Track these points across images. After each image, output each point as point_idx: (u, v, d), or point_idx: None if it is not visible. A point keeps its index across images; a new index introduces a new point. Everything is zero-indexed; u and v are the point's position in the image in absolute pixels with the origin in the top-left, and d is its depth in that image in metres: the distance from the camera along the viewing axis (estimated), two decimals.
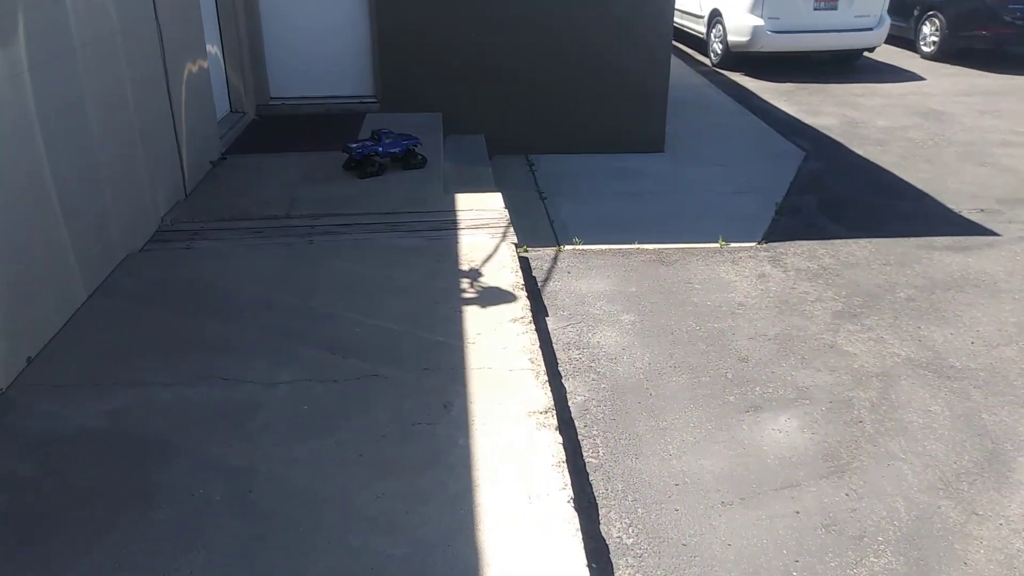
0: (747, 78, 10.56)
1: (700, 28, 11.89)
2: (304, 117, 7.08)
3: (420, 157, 5.63)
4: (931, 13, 11.78)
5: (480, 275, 3.97)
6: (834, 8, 10.49)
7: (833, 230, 5.62)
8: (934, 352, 4.02)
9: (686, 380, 3.78)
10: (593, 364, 3.90)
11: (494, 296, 3.77)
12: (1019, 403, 3.60)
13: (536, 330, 3.80)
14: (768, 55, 10.76)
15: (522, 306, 3.64)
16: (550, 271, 4.93)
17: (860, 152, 7.42)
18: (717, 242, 5.36)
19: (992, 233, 5.55)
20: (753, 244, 5.38)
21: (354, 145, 5.49)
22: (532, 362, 3.19)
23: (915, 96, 9.57)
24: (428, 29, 6.88)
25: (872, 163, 7.12)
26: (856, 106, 9.12)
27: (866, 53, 11.28)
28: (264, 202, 4.98)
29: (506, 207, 4.92)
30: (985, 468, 3.16)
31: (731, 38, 10.80)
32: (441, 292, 3.78)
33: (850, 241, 5.41)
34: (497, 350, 3.27)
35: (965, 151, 7.41)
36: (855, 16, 10.54)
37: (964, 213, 5.92)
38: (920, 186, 6.50)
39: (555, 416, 2.88)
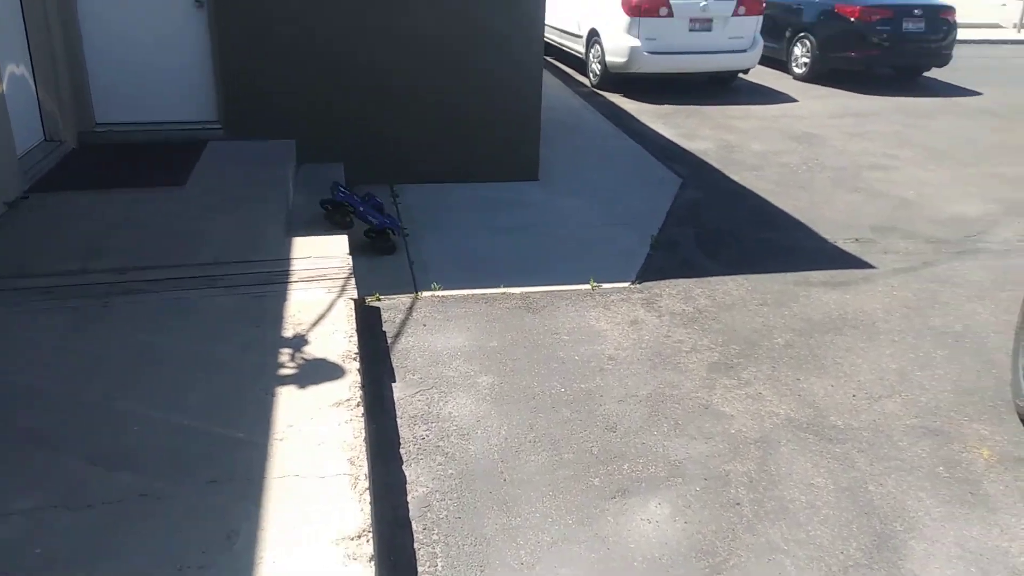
0: (626, 99, 10.36)
1: (579, 48, 11.65)
2: (135, 146, 6.26)
3: (391, 244, 5.29)
4: (802, 35, 11.96)
5: (306, 343, 3.37)
6: (708, 30, 10.43)
7: (709, 267, 5.31)
8: (815, 409, 3.69)
9: (546, 459, 3.29)
10: (441, 443, 3.36)
11: (319, 371, 3.18)
12: (905, 468, 3.29)
13: (368, 411, 3.24)
14: (646, 76, 10.60)
15: (350, 384, 3.07)
16: (403, 324, 4.38)
17: (736, 179, 7.23)
18: (588, 283, 4.94)
19: (868, 266, 5.37)
20: (626, 284, 4.99)
21: (342, 190, 5.28)
22: (352, 463, 2.62)
23: (788, 118, 9.57)
24: (277, 43, 6.21)
25: (748, 190, 6.93)
26: (732, 129, 9.01)
27: (741, 74, 11.30)
28: (62, 253, 4.20)
29: (350, 253, 4.34)
30: (875, 557, 2.80)
31: (609, 59, 10.58)
32: (254, 369, 3.15)
33: (727, 279, 5.10)
34: (311, 448, 2.68)
35: (838, 176, 7.34)
36: (729, 38, 10.52)
37: (840, 244, 5.75)
38: (796, 215, 6.32)
39: (371, 542, 2.31)
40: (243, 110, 6.38)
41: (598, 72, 10.95)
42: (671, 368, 4.02)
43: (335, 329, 3.49)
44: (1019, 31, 17.50)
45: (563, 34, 12.31)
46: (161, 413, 2.83)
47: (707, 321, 4.53)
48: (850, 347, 4.27)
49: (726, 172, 7.42)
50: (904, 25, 11.23)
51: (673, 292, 4.89)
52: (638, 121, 9.30)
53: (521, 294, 4.79)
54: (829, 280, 5.12)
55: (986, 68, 13.38)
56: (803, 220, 6.21)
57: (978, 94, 11.24)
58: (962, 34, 13.45)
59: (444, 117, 6.65)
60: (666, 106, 10.03)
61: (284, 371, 3.15)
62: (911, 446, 3.43)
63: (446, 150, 6.75)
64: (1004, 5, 21.77)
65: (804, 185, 7.08)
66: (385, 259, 5.25)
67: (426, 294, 4.74)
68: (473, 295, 4.74)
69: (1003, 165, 7.79)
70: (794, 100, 10.63)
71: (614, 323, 4.47)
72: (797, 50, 12.04)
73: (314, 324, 3.52)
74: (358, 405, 2.94)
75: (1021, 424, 3.58)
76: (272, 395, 2.98)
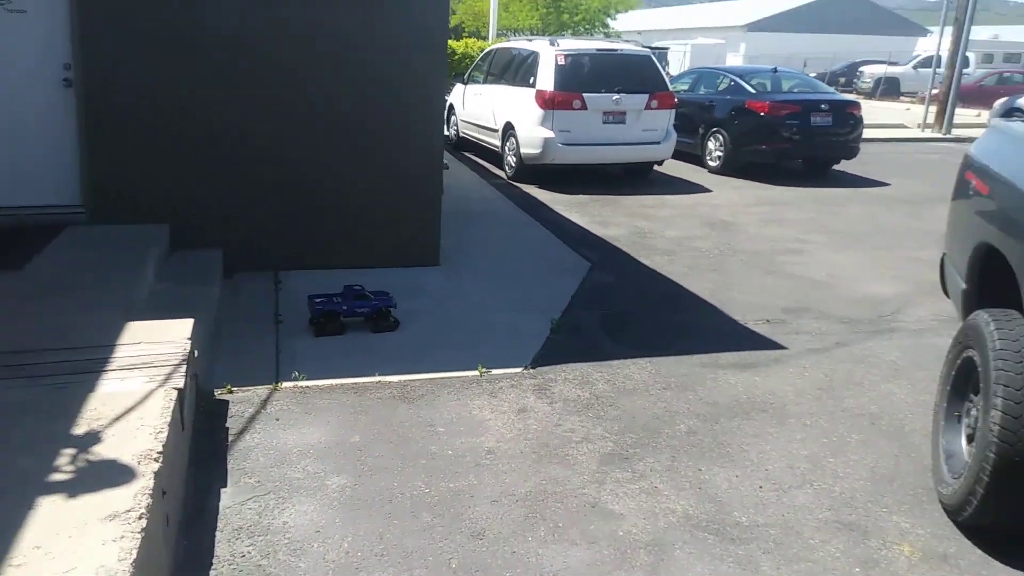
0: (541, 190, 10.17)
1: (495, 141, 11.55)
2: None
3: (393, 320, 5.06)
4: (715, 130, 12.13)
5: (98, 441, 2.75)
6: (622, 122, 10.44)
7: (612, 349, 4.89)
8: (716, 504, 3.20)
9: None
10: (265, 562, 2.74)
11: (103, 476, 2.56)
12: (816, 572, 2.80)
13: (184, 524, 2.61)
14: (561, 168, 10.48)
15: (137, 491, 2.46)
16: (252, 419, 3.78)
17: (647, 263, 6.94)
18: (476, 369, 4.45)
19: (779, 346, 5.02)
20: (519, 370, 4.51)
21: (318, 300, 4.95)
22: None
23: (704, 207, 9.48)
24: (152, 122, 5.77)
25: (659, 274, 6.63)
26: (647, 216, 8.84)
27: (656, 166, 11.31)
28: None
29: (191, 337, 3.76)
30: None
31: (524, 150, 10.46)
32: (18, 475, 2.52)
33: (629, 362, 4.67)
34: None
35: (751, 260, 7.13)
36: (642, 130, 10.54)
37: (750, 325, 5.41)
38: (706, 297, 6.00)
39: None
40: (111, 193, 5.85)
41: (513, 164, 10.81)
42: (557, 461, 3.49)
43: (142, 424, 2.89)
44: (923, 130, 18.34)
45: (480, 128, 12.25)
46: None
47: (603, 407, 4.05)
48: (758, 433, 3.83)
49: (637, 257, 7.13)
50: (812, 119, 11.49)
51: (570, 377, 4.42)
52: (552, 210, 9.07)
53: (399, 383, 4.25)
54: (738, 362, 4.73)
55: (893, 162, 13.78)
56: (713, 302, 5.89)
57: (886, 184, 11.45)
58: (870, 133, 13.94)
59: (335, 201, 6.23)
60: (581, 196, 9.87)
61: (57, 476, 2.53)
62: (824, 544, 2.95)
63: (338, 235, 6.31)
64: (908, 110, 23.02)
65: (716, 268, 6.82)
66: (251, 348, 4.68)
67: (287, 385, 4.16)
68: (342, 385, 4.19)
69: (915, 248, 7.72)
70: (709, 191, 10.61)
71: (499, 412, 3.95)
72: (711, 144, 12.19)
73: (116, 419, 2.91)
74: (140, 518, 2.32)
75: (945, 514, 3.14)
76: (29, 507, 2.35)
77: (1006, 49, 35.02)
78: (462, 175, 11.19)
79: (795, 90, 12.65)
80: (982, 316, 3.12)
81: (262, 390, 4.09)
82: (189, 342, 3.71)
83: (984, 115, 19.85)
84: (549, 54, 10.50)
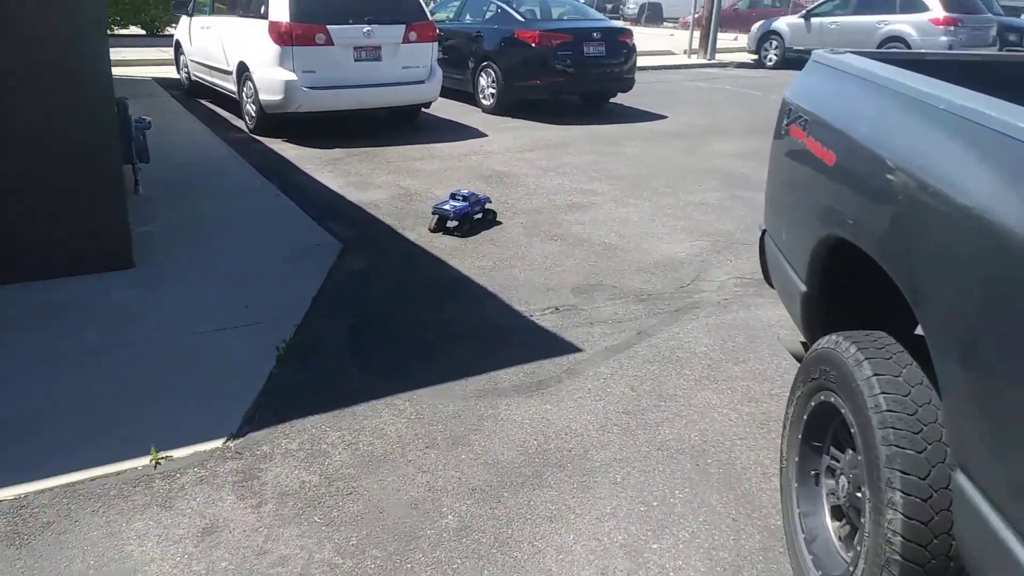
0: (289, 145, 8.51)
1: (231, 86, 9.60)
2: None
3: (493, 213, 5.94)
4: (486, 64, 10.95)
5: None
6: (378, 59, 8.92)
7: (360, 384, 3.60)
8: None
9: None
10: None
11: None
12: None
13: None
14: (311, 116, 8.83)
15: None
16: None
17: (413, 236, 5.67)
18: (149, 455, 2.99)
19: (573, 348, 3.99)
20: (218, 444, 3.11)
21: (447, 207, 5.63)
22: None
23: (477, 156, 8.31)
24: None
25: (427, 251, 5.39)
26: (413, 173, 7.52)
27: (424, 109, 9.96)
28: None
29: None
30: None
31: (263, 97, 8.66)
32: None
33: (381, 404, 3.41)
34: None
35: (533, 222, 6.07)
36: (402, 68, 9.10)
37: (536, 318, 4.35)
38: (482, 281, 4.86)
39: None
40: None
41: (254, 114, 8.99)
42: None
43: None
44: (689, 56, 18.37)
45: (212, 71, 10.22)
46: None
47: (338, 500, 2.78)
48: (555, 513, 2.74)
49: (401, 229, 5.83)
50: (585, 49, 10.62)
51: (293, 447, 3.10)
52: (299, 171, 7.50)
53: (12, 502, 2.71)
54: (524, 381, 3.64)
55: (665, 92, 13.41)
56: (492, 287, 4.76)
57: (663, 117, 10.93)
58: (641, 61, 13.38)
59: None
60: (336, 150, 8.34)
61: None
62: None
63: None
64: (672, 35, 23.23)
65: (493, 238, 5.69)
66: None
67: None
68: None
69: (700, 191, 7.07)
70: (483, 135, 9.46)
71: (171, 541, 2.55)
72: (483, 80, 11.01)
73: None
74: None
75: None
76: None
77: None
78: (190, 129, 9.22)
79: (565, 17, 11.71)
80: (846, 348, 2.17)
81: None
82: None
83: (741, 39, 20.33)
84: None
